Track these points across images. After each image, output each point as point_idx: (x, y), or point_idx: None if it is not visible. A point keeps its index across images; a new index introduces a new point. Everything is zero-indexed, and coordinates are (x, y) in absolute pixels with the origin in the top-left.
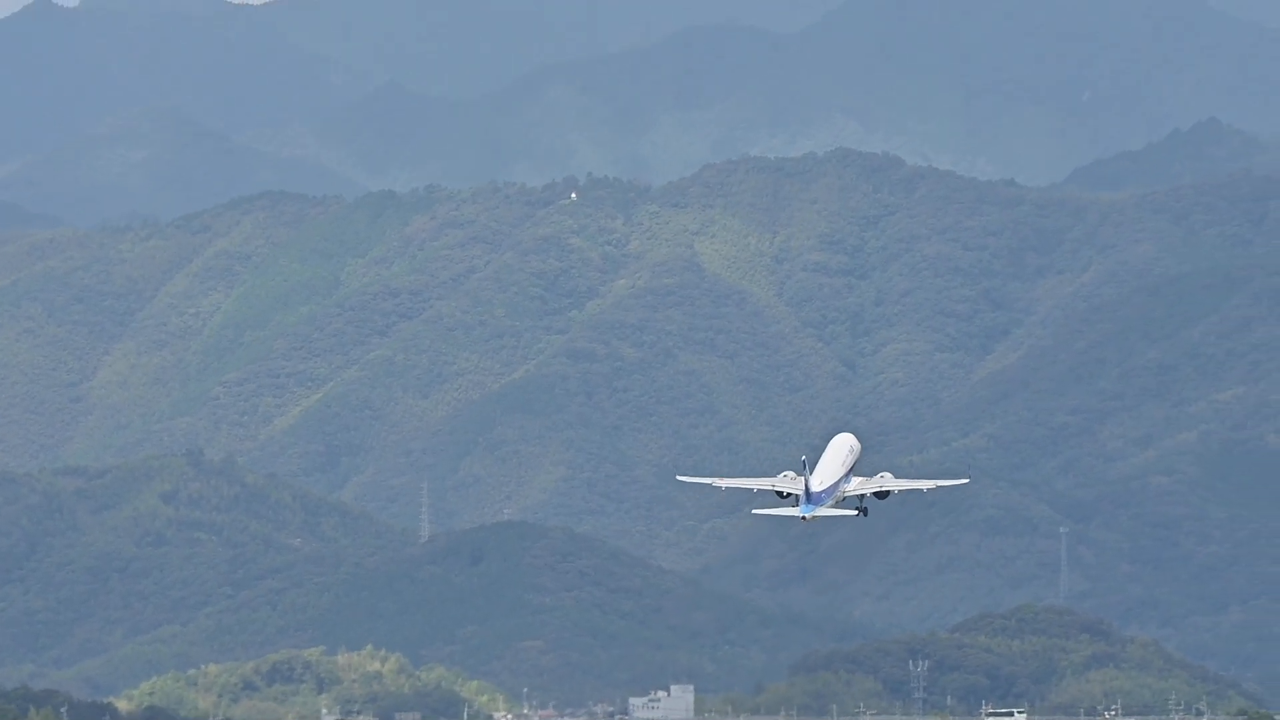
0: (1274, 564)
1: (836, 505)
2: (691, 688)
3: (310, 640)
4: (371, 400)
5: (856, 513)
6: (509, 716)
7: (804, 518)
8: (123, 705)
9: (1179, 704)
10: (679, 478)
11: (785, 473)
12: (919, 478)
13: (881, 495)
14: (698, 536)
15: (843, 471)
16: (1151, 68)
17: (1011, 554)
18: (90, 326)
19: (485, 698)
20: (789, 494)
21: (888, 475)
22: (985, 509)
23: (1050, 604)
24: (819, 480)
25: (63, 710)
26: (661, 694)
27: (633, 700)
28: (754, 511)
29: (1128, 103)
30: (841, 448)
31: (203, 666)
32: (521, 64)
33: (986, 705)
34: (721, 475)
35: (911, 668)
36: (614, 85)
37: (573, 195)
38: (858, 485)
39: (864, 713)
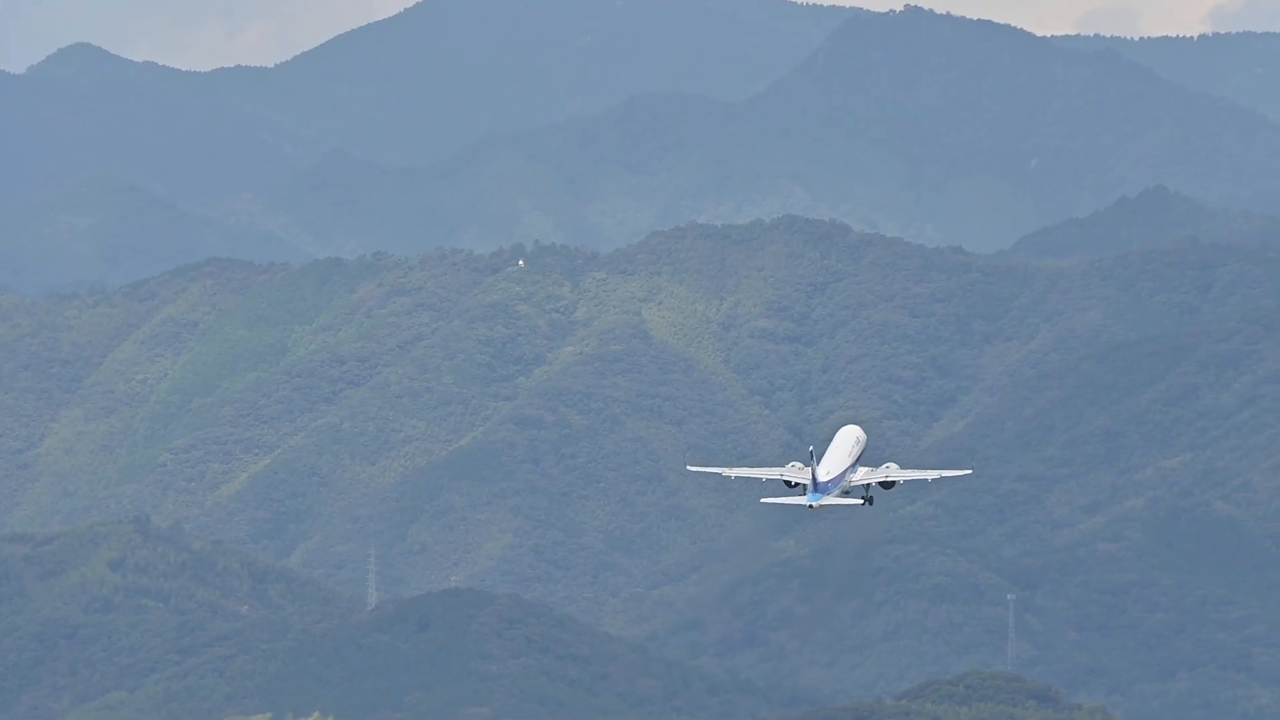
0: (1221, 631)
1: (843, 495)
2: None
3: (257, 707)
4: (318, 467)
5: (863, 502)
6: None
7: (811, 506)
8: None
9: None
10: (689, 467)
11: (793, 463)
12: (922, 469)
13: (887, 485)
14: (645, 604)
15: (849, 462)
16: (1098, 135)
17: (959, 621)
18: (37, 393)
19: None
20: (796, 484)
21: (893, 466)
22: (932, 576)
23: (998, 671)
24: (825, 470)
25: None
26: None
27: None
28: (763, 500)
29: (1075, 170)
30: (848, 439)
31: None
32: (468, 132)
33: None
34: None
35: None
36: (561, 153)
37: (520, 262)
38: (863, 475)
39: None
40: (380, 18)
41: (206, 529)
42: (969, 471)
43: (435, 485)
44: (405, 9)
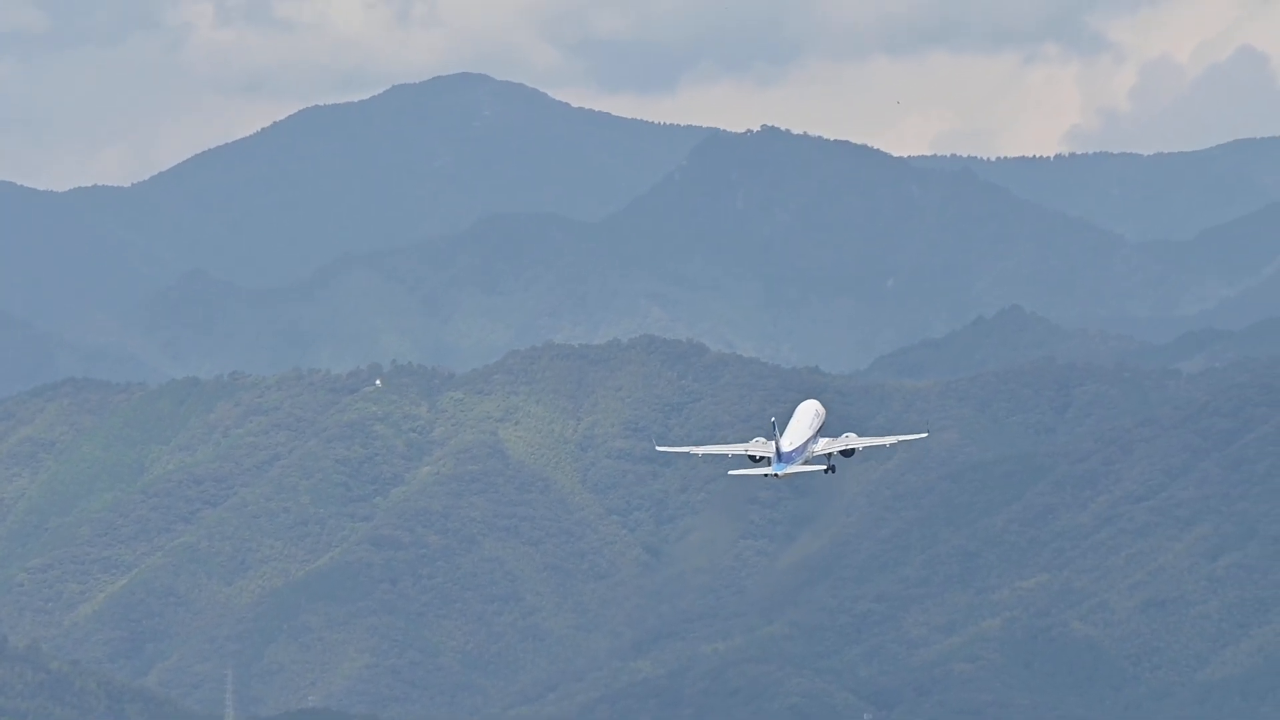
0: None
1: (806, 464)
2: None
3: None
4: (176, 587)
5: (825, 469)
6: None
7: (776, 475)
8: None
9: None
10: (659, 448)
11: (757, 438)
12: (879, 435)
13: (847, 453)
14: None
15: (810, 433)
16: (955, 255)
17: None
18: None
19: None
20: (761, 458)
21: (852, 435)
22: (789, 696)
23: None
24: (789, 441)
25: None
26: None
27: None
28: (730, 473)
29: (931, 290)
30: (808, 411)
31: None
32: (325, 252)
33: None
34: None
35: None
36: (418, 272)
37: (377, 382)
38: (825, 445)
39: None
40: (237, 138)
41: (64, 649)
42: (924, 435)
43: (292, 605)
44: (262, 129)
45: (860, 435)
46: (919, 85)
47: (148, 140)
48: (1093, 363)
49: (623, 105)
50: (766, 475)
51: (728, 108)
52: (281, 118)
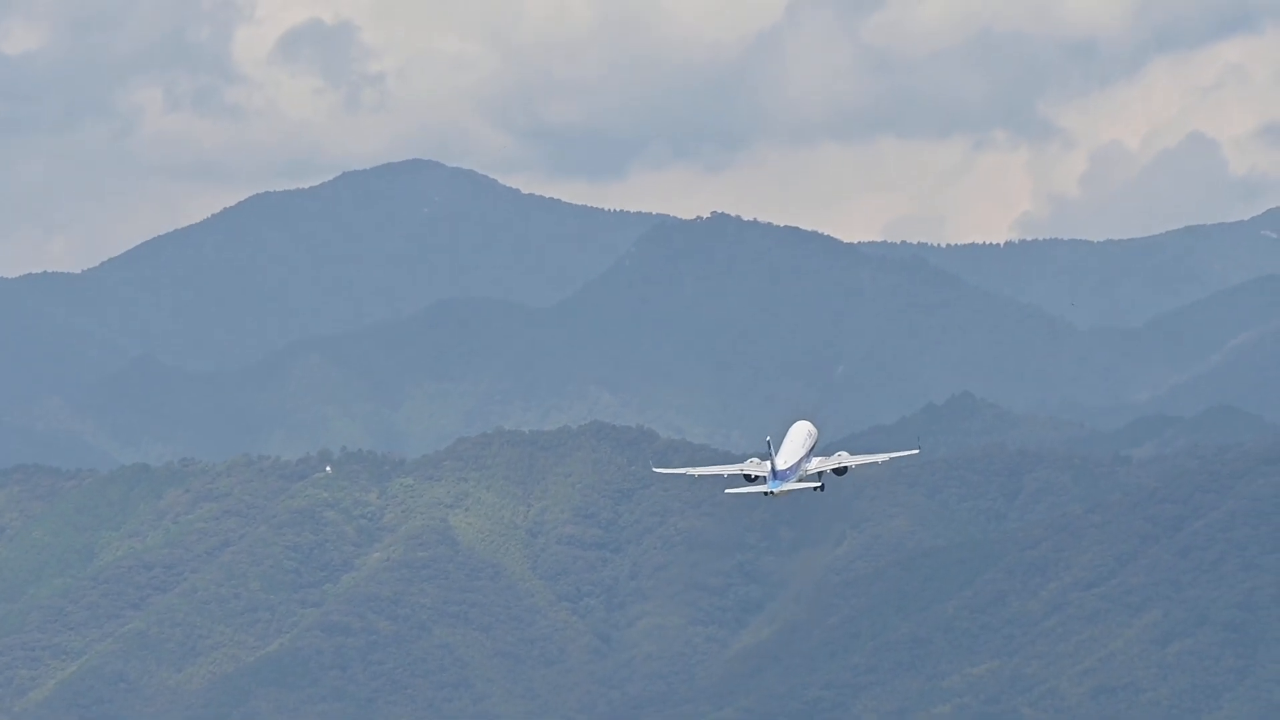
0: None
1: (800, 481)
2: None
3: None
4: (126, 673)
5: (816, 487)
6: None
7: (772, 492)
8: None
9: None
10: (656, 469)
11: (751, 459)
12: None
13: (840, 472)
14: None
15: (803, 452)
16: (905, 342)
17: None
18: None
19: None
20: (757, 477)
21: (844, 454)
22: None
23: None
24: (783, 460)
25: None
26: None
27: None
28: (728, 491)
29: (882, 377)
30: (801, 431)
31: None
32: (276, 337)
33: None
34: None
35: None
36: (368, 358)
37: (327, 469)
38: (818, 464)
39: None
40: (188, 224)
41: None
42: (917, 451)
43: (243, 692)
44: (212, 215)
45: (852, 454)
46: (869, 171)
47: (98, 226)
48: (1043, 449)
49: (573, 191)
50: (766, 494)
51: (678, 194)
52: (232, 203)
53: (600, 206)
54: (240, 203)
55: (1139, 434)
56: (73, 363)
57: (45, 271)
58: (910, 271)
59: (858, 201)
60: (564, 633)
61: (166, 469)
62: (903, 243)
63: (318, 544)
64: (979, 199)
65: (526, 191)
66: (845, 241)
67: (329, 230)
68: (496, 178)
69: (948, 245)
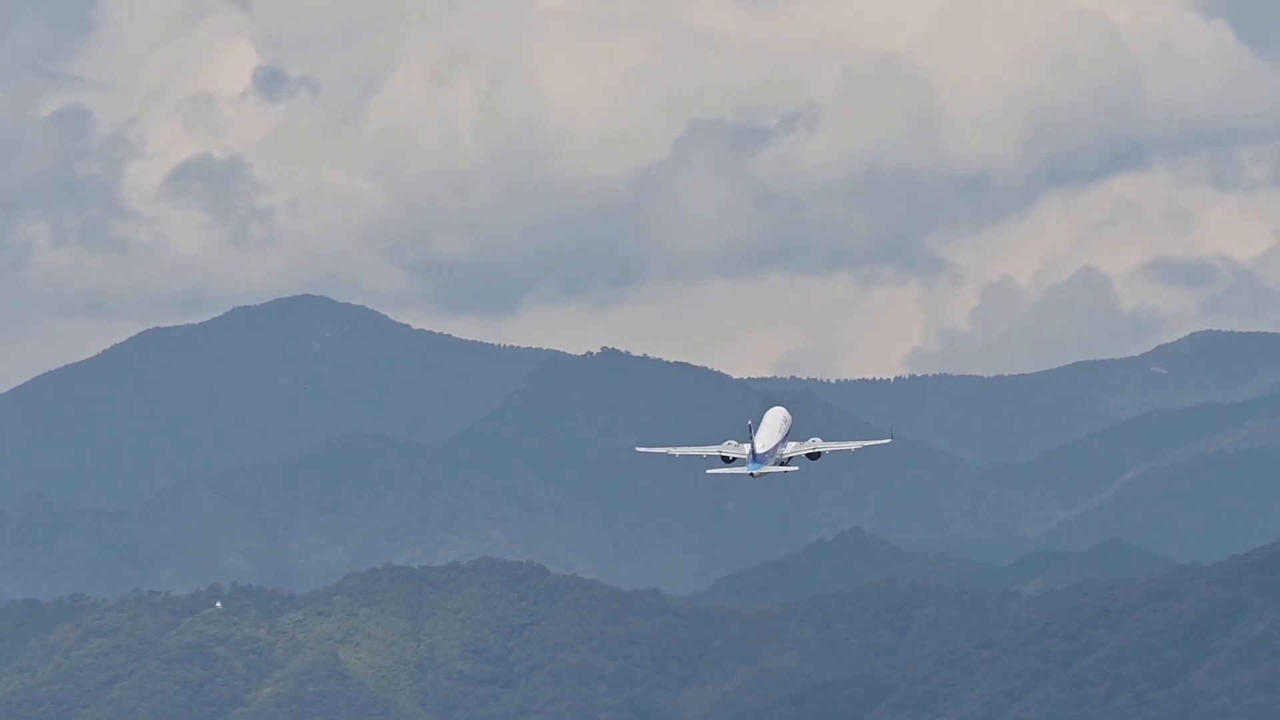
0: None
1: (777, 464)
2: None
3: None
4: None
5: (794, 468)
6: None
7: (751, 474)
8: None
9: None
10: (639, 449)
11: (729, 441)
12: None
13: (814, 456)
14: None
15: (779, 437)
16: (794, 477)
17: None
18: None
19: None
20: (733, 458)
21: (818, 439)
22: None
23: None
24: (762, 443)
25: None
26: None
27: None
28: (708, 471)
29: (771, 513)
30: (777, 417)
31: None
32: (166, 473)
33: None
34: None
35: None
36: (259, 494)
37: (217, 604)
38: (793, 449)
39: None
40: (78, 359)
41: None
42: (888, 440)
43: None
44: (103, 350)
45: (825, 440)
46: (758, 307)
47: None
48: (933, 584)
49: (464, 327)
50: (750, 474)
51: (568, 329)
52: (122, 339)
53: (491, 342)
54: (131, 338)
55: (1029, 570)
56: None
57: None
58: (800, 406)
59: (747, 337)
60: None
61: (57, 604)
62: (792, 378)
63: (208, 679)
64: (869, 334)
65: (417, 327)
66: (735, 377)
67: (220, 366)
68: (387, 314)
69: (837, 381)
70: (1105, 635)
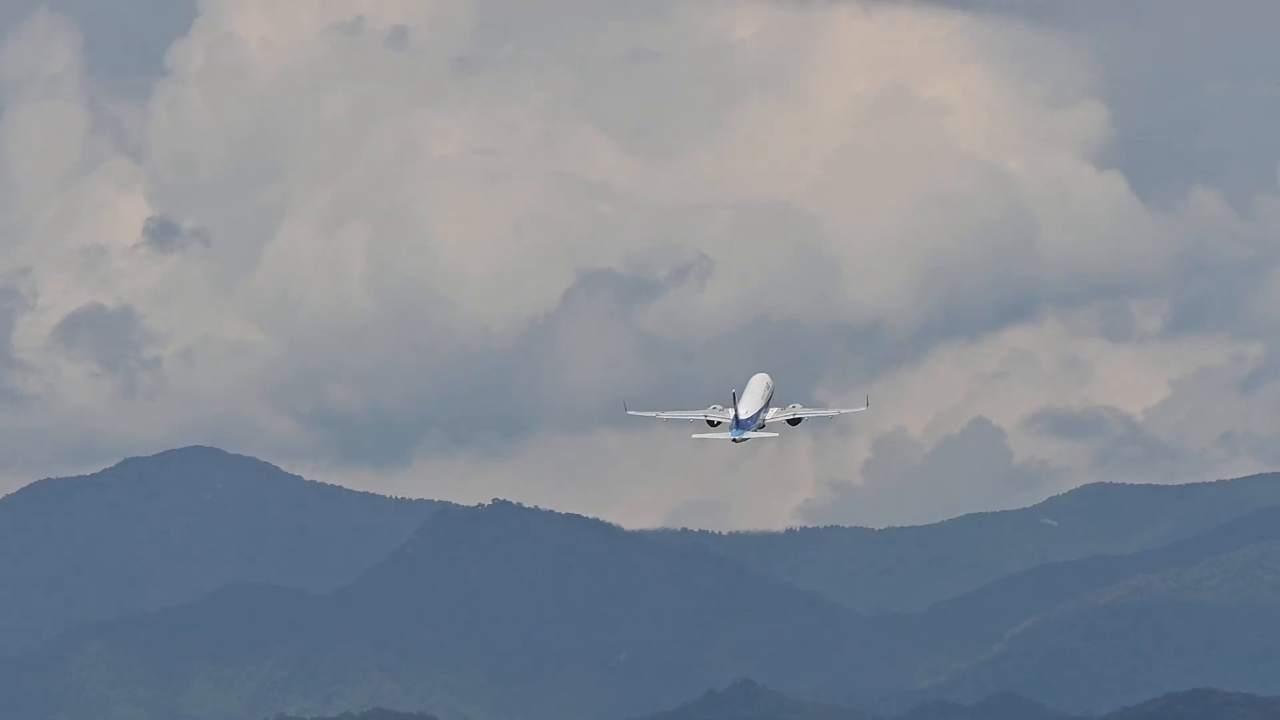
0: None
1: (760, 429)
2: None
3: None
4: None
5: (775, 434)
6: None
7: (735, 439)
8: None
9: None
10: (629, 411)
11: (713, 405)
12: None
13: (794, 422)
14: None
15: (761, 403)
16: (687, 629)
17: None
18: None
19: None
20: (718, 422)
21: (799, 406)
22: None
23: None
24: (745, 409)
25: None
26: None
27: None
28: (693, 436)
29: (663, 663)
30: (760, 383)
31: None
32: (57, 623)
33: None
34: None
35: None
36: (151, 643)
37: None
38: (774, 415)
39: None
40: None
41: None
42: (864, 408)
43: None
44: None
45: (805, 406)
46: (649, 459)
47: None
48: None
49: (356, 479)
50: (733, 440)
51: (459, 481)
52: (13, 490)
53: (382, 494)
54: (21, 489)
55: None
56: None
57: None
58: (691, 559)
59: (638, 489)
60: None
61: None
62: (684, 530)
63: None
64: (760, 486)
65: (309, 479)
66: (626, 529)
67: (111, 517)
68: (279, 465)
69: (729, 533)
70: None
